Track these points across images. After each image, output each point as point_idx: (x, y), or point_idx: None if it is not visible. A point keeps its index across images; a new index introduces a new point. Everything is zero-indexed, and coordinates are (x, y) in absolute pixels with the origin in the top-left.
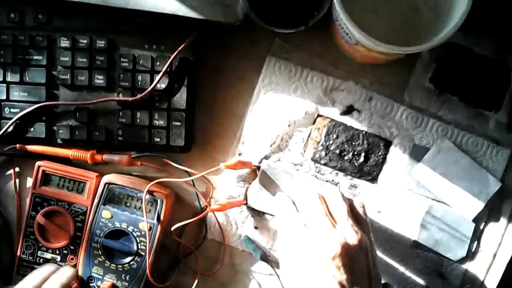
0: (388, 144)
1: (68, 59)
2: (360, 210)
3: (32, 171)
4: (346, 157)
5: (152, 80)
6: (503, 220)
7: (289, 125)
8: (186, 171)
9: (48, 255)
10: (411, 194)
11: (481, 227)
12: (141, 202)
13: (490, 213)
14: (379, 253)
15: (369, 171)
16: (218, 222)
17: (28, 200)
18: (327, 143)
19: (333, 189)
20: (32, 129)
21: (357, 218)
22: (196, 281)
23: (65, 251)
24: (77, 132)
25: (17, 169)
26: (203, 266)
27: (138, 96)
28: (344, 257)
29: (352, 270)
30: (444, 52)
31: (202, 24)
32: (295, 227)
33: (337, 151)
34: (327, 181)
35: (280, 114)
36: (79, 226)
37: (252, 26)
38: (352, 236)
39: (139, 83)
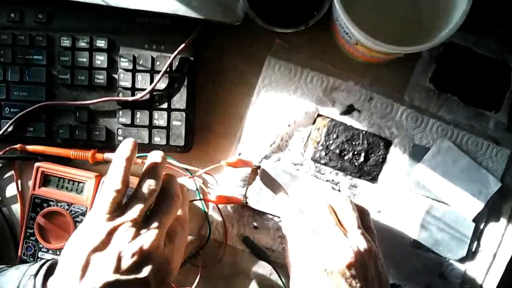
0: (388, 144)
1: (68, 59)
2: (365, 217)
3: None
4: (346, 157)
5: (152, 80)
6: (503, 220)
7: (289, 125)
8: (187, 170)
9: (49, 256)
10: (411, 194)
11: (481, 227)
12: None
13: (490, 213)
14: None
15: (369, 171)
16: (224, 221)
17: (27, 202)
18: (327, 143)
19: (342, 198)
20: (32, 128)
21: (364, 225)
22: (197, 279)
23: None
24: (77, 132)
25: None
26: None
27: (138, 96)
28: (358, 266)
29: (366, 277)
30: (444, 52)
31: (202, 24)
32: (306, 236)
33: (337, 151)
34: (327, 181)
35: (280, 114)
36: None
37: (252, 26)
38: (363, 244)
39: (139, 83)
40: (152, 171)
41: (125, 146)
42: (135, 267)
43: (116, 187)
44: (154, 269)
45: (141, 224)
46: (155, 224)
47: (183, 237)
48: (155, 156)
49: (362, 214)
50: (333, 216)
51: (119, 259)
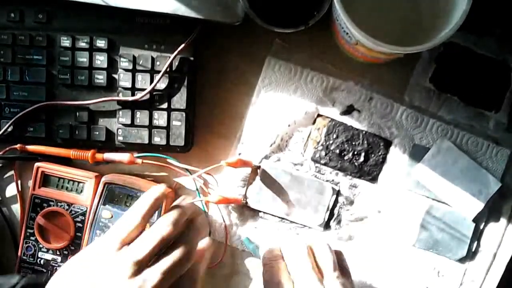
0: (388, 144)
1: (68, 59)
2: (341, 259)
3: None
4: (346, 157)
5: (152, 80)
6: (503, 220)
7: (289, 125)
8: (187, 170)
9: (49, 256)
10: (411, 194)
11: (481, 227)
12: None
13: (490, 213)
14: (379, 253)
15: (369, 171)
16: (224, 222)
17: (27, 202)
18: (327, 143)
19: (320, 241)
20: (32, 128)
21: (342, 268)
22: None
23: (65, 252)
24: (77, 132)
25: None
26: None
27: (138, 96)
28: None
29: None
30: (444, 52)
31: (202, 24)
32: (281, 281)
33: (337, 151)
34: (327, 181)
35: (280, 114)
36: (79, 226)
37: (252, 26)
38: None
39: (139, 83)
40: (175, 219)
41: (160, 189)
42: None
43: (136, 222)
44: None
45: (146, 264)
46: (161, 269)
47: None
48: (182, 207)
49: (338, 256)
50: (311, 259)
51: None
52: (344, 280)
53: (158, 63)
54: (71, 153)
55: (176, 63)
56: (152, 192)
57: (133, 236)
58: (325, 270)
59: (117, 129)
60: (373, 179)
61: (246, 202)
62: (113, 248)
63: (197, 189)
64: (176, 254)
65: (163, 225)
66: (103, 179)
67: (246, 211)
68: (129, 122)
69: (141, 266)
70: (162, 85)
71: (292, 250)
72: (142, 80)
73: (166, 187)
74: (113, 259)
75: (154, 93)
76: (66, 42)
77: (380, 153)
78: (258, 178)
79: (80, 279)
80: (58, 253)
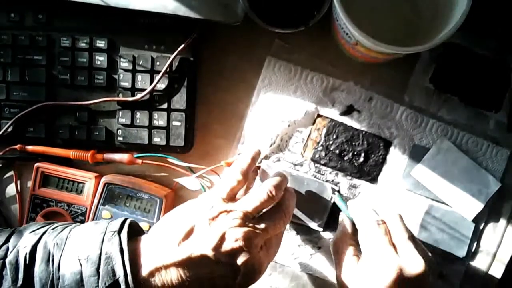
0: (388, 144)
1: (68, 59)
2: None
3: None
4: (346, 157)
5: (152, 80)
6: (503, 220)
7: (289, 125)
8: (189, 168)
9: None
10: (411, 194)
11: (481, 227)
12: (141, 202)
13: (490, 213)
14: None
15: (369, 171)
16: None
17: (27, 202)
18: (327, 143)
19: (394, 216)
20: (32, 129)
21: (415, 243)
22: None
23: None
24: (77, 132)
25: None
26: None
27: (138, 96)
28: (404, 284)
29: None
30: (444, 52)
31: (202, 24)
32: (351, 252)
33: (337, 151)
34: (327, 181)
35: (280, 114)
36: None
37: (252, 26)
38: (417, 263)
39: (139, 83)
40: (279, 182)
41: (254, 150)
42: (232, 253)
43: (238, 178)
44: (246, 263)
45: (249, 219)
46: (262, 226)
47: (275, 252)
48: (283, 175)
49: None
50: (388, 235)
51: (221, 239)
52: (420, 252)
53: (158, 63)
54: (71, 153)
55: (176, 63)
56: (248, 152)
57: (236, 191)
58: (399, 244)
59: (117, 129)
60: (373, 180)
61: None
62: (220, 198)
63: (202, 186)
64: (277, 216)
65: (270, 187)
66: (103, 179)
67: None
68: (129, 122)
69: (247, 219)
70: (162, 85)
71: (366, 224)
72: (142, 81)
73: (258, 149)
74: (221, 207)
75: (154, 93)
76: (66, 42)
77: (380, 154)
78: (258, 178)
79: (185, 223)
80: None
